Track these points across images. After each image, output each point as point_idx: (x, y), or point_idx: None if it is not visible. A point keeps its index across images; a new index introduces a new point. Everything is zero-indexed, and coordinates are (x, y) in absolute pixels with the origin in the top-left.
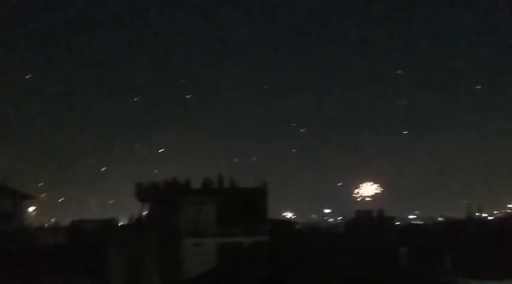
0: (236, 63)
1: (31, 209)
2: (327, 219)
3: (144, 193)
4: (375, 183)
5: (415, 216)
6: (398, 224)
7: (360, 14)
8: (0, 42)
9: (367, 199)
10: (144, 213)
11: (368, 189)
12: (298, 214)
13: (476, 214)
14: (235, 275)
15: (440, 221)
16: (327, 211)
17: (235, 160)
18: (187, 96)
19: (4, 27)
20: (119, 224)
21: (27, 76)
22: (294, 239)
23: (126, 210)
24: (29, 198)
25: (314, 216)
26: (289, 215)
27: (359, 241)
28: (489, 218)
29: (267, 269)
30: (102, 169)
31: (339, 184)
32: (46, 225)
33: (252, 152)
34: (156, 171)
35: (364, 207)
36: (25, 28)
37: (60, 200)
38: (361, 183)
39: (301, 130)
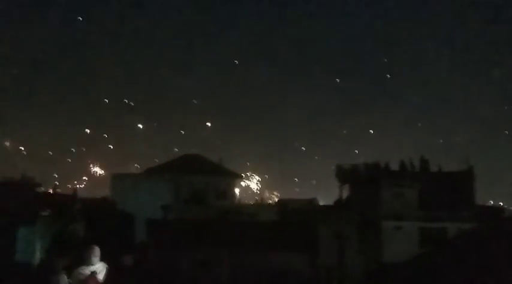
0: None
1: (239, 188)
2: None
3: (344, 175)
4: None
5: None
6: None
7: None
8: None
9: None
10: (343, 194)
11: None
12: (508, 202)
13: None
14: (442, 267)
15: None
16: None
17: (440, 141)
18: (387, 75)
19: None
20: (320, 204)
21: None
22: (504, 228)
23: (324, 191)
24: (240, 177)
25: None
26: (497, 202)
27: None
28: None
29: (475, 262)
30: (303, 148)
31: None
32: (252, 203)
33: (457, 133)
34: (356, 151)
35: None
36: None
37: (263, 178)
38: None
39: None
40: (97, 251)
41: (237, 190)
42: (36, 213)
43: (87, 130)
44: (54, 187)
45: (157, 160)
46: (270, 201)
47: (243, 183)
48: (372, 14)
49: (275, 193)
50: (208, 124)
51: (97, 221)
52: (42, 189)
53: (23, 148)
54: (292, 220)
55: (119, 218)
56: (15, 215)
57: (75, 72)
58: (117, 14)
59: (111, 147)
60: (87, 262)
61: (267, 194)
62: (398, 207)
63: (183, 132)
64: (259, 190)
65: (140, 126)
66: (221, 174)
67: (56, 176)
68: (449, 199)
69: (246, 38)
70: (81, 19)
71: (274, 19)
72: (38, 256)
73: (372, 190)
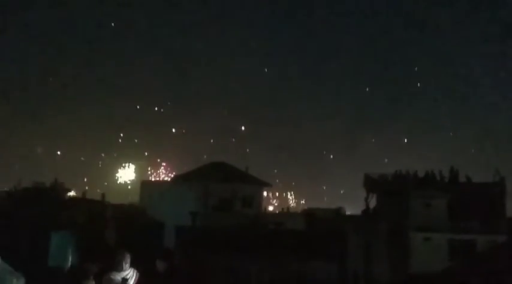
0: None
1: (266, 195)
2: None
3: (372, 184)
4: None
5: None
6: None
7: None
8: None
9: None
10: (370, 204)
11: None
12: None
13: None
14: (472, 280)
15: None
16: None
17: (472, 151)
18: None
19: None
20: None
21: None
22: None
23: (352, 200)
24: (266, 185)
25: None
26: None
27: None
28: None
29: (505, 275)
30: (331, 156)
31: None
32: (277, 211)
33: (489, 143)
34: (386, 160)
35: None
36: None
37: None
38: None
39: None
40: (128, 257)
41: (263, 198)
42: (68, 218)
43: (121, 134)
44: (84, 193)
45: (185, 167)
46: (295, 209)
47: (270, 191)
48: (405, 26)
49: (302, 201)
50: (243, 128)
51: (127, 228)
52: (73, 194)
53: (59, 153)
54: (319, 229)
55: (149, 224)
56: (49, 221)
57: (108, 78)
58: (149, 22)
59: (143, 153)
60: (118, 268)
61: (292, 202)
62: (427, 218)
63: (212, 141)
64: (293, 201)
65: (173, 129)
66: (248, 182)
67: (86, 180)
68: (479, 211)
69: (276, 46)
70: (113, 25)
71: (307, 30)
72: (69, 261)
73: (400, 200)
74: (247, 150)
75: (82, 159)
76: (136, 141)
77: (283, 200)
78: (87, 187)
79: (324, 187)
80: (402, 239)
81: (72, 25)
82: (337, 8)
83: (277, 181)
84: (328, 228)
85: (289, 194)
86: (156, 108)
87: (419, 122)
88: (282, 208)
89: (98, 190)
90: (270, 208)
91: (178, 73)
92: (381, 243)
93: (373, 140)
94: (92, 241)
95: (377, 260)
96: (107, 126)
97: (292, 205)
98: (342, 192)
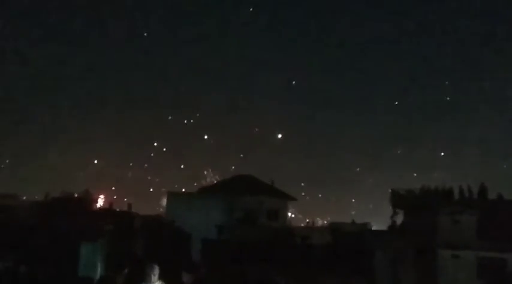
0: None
1: (291, 209)
2: None
3: (399, 200)
4: None
5: None
6: None
7: None
8: None
9: None
10: (396, 219)
11: None
12: None
13: None
14: None
15: None
16: None
17: (504, 166)
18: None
19: None
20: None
21: None
22: None
23: (379, 214)
24: (292, 199)
25: None
26: None
27: None
28: None
29: None
30: (357, 169)
31: None
32: (302, 224)
33: None
34: (414, 175)
35: None
36: None
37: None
38: None
39: None
40: (156, 269)
41: (289, 212)
42: (98, 228)
43: (155, 144)
44: (111, 203)
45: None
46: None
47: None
48: (437, 37)
49: (327, 216)
50: (279, 135)
51: (156, 238)
52: (100, 204)
53: (96, 162)
54: (346, 244)
55: (176, 236)
56: (78, 231)
57: (141, 87)
58: (182, 32)
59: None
60: (147, 280)
61: (317, 217)
62: (455, 235)
63: (242, 155)
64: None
65: (206, 136)
66: (274, 195)
67: (114, 188)
68: (510, 229)
69: (302, 58)
70: (146, 35)
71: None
72: (99, 271)
73: (428, 216)
74: (275, 162)
75: (110, 169)
76: (164, 149)
77: (308, 213)
78: (115, 197)
79: (353, 200)
80: (430, 256)
81: (107, 35)
82: (369, 33)
83: (303, 193)
84: (354, 244)
85: (314, 208)
86: (185, 120)
87: (450, 136)
88: (308, 222)
89: (125, 199)
90: (296, 221)
91: (206, 84)
92: (408, 260)
93: (402, 153)
94: (120, 252)
95: (405, 277)
96: (136, 136)
97: (317, 219)
98: (370, 206)
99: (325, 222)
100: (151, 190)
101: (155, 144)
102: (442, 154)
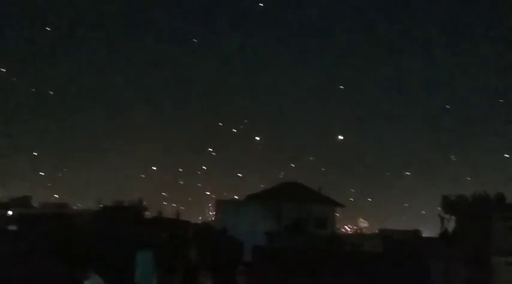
0: None
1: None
2: None
3: (450, 206)
4: None
5: None
6: None
7: None
8: None
9: None
10: (448, 226)
11: None
12: None
13: None
14: None
15: None
16: None
17: None
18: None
19: None
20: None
21: None
22: None
23: (431, 221)
24: (340, 206)
25: None
26: None
27: None
28: None
29: None
30: (407, 173)
31: None
32: (351, 231)
33: None
34: (468, 178)
35: None
36: None
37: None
38: None
39: None
40: (209, 279)
41: (337, 219)
42: (149, 236)
43: (210, 149)
44: (160, 211)
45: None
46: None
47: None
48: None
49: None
50: (340, 137)
51: (208, 246)
52: (151, 212)
53: (147, 169)
54: (397, 252)
55: (229, 244)
56: (132, 239)
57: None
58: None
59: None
60: None
61: (366, 223)
62: (509, 242)
63: (293, 165)
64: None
65: (257, 138)
66: (322, 202)
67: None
68: None
69: (349, 66)
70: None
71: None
72: (153, 279)
73: (481, 223)
74: (323, 169)
75: (161, 176)
76: (214, 154)
77: (357, 220)
78: (165, 203)
79: (406, 205)
80: (483, 264)
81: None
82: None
83: (352, 199)
84: (406, 251)
85: (362, 215)
86: (234, 129)
87: (503, 139)
88: (356, 229)
89: (174, 205)
90: (345, 228)
91: (256, 91)
92: (461, 268)
93: (453, 157)
94: (175, 260)
95: None
96: (185, 144)
97: (365, 225)
98: (423, 212)
99: (366, 226)
100: (199, 197)
101: (208, 150)
102: (496, 157)
